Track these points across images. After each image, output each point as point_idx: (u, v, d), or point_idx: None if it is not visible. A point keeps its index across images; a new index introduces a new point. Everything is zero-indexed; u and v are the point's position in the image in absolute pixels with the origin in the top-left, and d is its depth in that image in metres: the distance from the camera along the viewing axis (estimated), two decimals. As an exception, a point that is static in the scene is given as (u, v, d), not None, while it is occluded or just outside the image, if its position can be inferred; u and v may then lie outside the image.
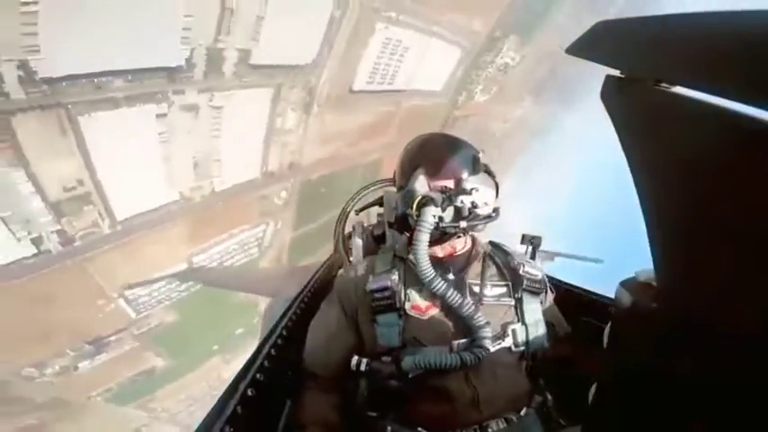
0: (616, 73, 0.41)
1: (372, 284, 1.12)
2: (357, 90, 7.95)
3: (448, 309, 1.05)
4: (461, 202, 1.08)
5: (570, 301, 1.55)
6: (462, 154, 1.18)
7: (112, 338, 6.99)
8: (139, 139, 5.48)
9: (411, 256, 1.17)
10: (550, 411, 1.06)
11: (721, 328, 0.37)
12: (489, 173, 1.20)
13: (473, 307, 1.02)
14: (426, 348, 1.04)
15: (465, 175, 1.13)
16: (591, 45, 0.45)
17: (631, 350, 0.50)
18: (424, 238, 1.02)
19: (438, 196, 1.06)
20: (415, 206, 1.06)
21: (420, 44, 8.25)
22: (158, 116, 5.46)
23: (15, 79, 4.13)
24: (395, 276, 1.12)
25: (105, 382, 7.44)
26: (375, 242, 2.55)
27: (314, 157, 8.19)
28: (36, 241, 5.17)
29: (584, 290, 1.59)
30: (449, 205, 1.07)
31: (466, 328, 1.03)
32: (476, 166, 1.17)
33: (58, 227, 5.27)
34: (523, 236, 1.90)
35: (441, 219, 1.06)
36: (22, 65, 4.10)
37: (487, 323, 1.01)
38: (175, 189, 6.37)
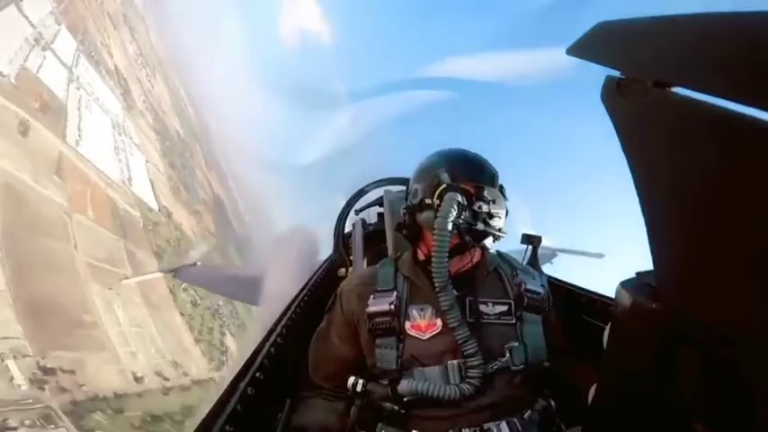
0: (616, 74, 0.41)
1: (372, 308, 1.12)
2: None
3: (448, 329, 1.04)
4: (479, 207, 1.08)
5: (570, 301, 1.55)
6: (484, 166, 1.19)
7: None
8: None
9: (413, 272, 1.18)
10: (553, 417, 1.06)
11: (721, 329, 0.37)
12: (503, 194, 1.19)
13: (468, 333, 1.01)
14: (424, 371, 1.04)
15: (484, 184, 1.13)
16: (591, 46, 0.45)
17: (631, 350, 0.50)
18: (447, 226, 0.99)
19: (460, 191, 1.04)
20: (437, 194, 1.04)
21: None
22: None
23: None
24: (395, 300, 1.11)
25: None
26: (375, 241, 2.56)
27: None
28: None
29: (585, 290, 1.59)
30: (468, 207, 1.05)
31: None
32: (494, 181, 1.18)
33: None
34: (523, 235, 1.90)
35: (461, 208, 1.02)
36: None
37: (478, 352, 1.00)
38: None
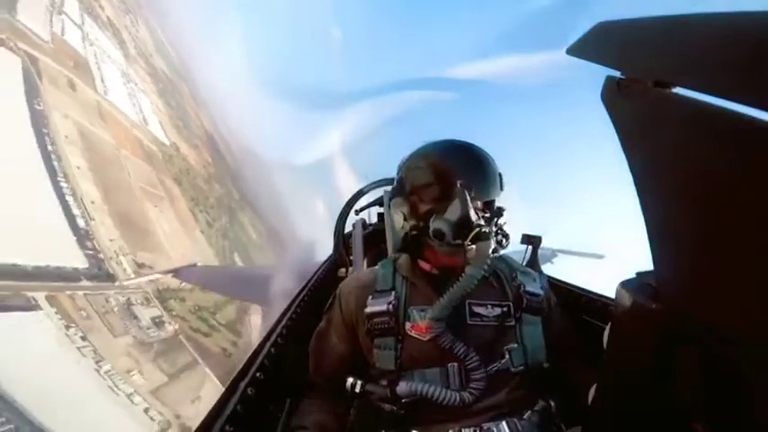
0: (616, 74, 0.41)
1: (370, 308, 1.11)
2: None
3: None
4: (496, 224, 1.03)
5: (570, 301, 1.55)
6: (493, 169, 1.09)
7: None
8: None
9: (411, 273, 1.17)
10: (553, 417, 1.06)
11: (721, 329, 0.37)
12: (502, 187, 1.13)
13: (465, 348, 1.01)
14: (424, 373, 1.04)
15: (497, 195, 1.07)
16: (591, 46, 0.45)
17: (631, 350, 0.50)
18: (478, 275, 0.96)
19: (487, 228, 0.97)
20: (470, 238, 0.96)
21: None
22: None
23: None
24: (393, 299, 1.10)
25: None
26: (375, 241, 2.56)
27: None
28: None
29: (584, 290, 1.59)
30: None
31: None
32: (502, 186, 1.11)
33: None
34: (523, 235, 1.90)
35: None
36: None
37: (481, 365, 1.01)
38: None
